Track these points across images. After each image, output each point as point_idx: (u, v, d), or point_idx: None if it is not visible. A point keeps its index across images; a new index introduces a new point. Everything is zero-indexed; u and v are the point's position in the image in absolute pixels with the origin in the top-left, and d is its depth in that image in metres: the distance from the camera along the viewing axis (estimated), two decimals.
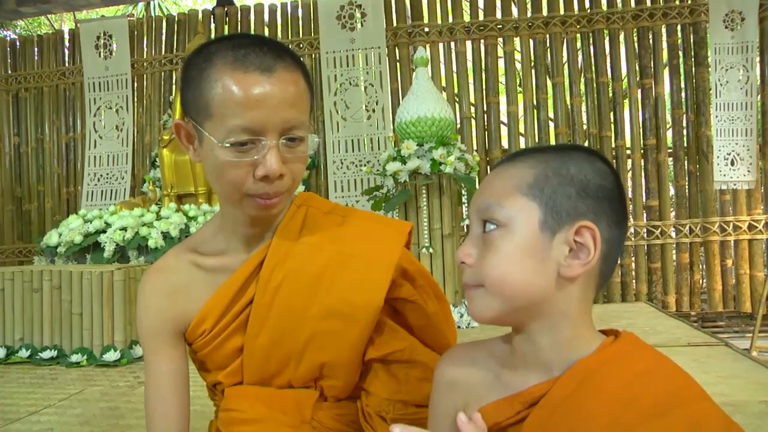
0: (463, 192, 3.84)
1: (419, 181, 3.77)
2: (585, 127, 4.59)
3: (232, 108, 0.95)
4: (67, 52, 5.76)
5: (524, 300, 0.86)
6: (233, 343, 1.11)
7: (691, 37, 4.44)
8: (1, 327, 3.30)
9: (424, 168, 3.73)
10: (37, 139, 5.72)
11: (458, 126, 4.78)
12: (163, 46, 5.54)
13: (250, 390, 1.13)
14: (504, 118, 4.92)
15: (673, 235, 4.37)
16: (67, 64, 5.72)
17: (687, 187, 4.45)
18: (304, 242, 1.11)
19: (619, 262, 4.39)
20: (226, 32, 5.46)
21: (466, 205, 3.81)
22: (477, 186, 3.99)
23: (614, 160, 4.51)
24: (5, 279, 3.32)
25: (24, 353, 3.19)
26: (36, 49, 5.81)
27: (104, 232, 3.85)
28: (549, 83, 4.69)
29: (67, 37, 5.80)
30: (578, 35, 4.60)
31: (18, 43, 5.93)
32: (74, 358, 3.08)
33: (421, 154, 3.81)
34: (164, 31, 5.56)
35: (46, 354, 3.15)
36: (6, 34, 9.05)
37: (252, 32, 5.33)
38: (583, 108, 4.62)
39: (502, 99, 4.89)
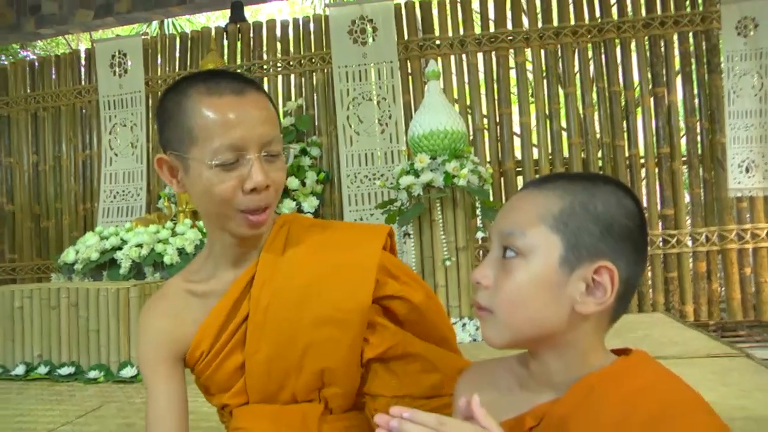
0: (477, 204, 3.83)
1: (433, 195, 3.77)
2: (598, 136, 4.57)
3: (215, 130, 1.04)
4: (83, 71, 5.85)
5: (534, 331, 0.87)
6: (233, 362, 1.15)
7: (704, 44, 4.41)
8: (21, 344, 3.34)
9: (437, 181, 3.73)
10: (55, 157, 5.80)
11: (471, 138, 4.78)
12: (177, 63, 5.61)
13: (257, 408, 1.16)
14: (517, 128, 4.91)
15: (690, 243, 4.33)
16: (83, 83, 5.80)
17: (702, 195, 4.42)
18: (289, 257, 1.16)
19: None
20: (239, 49, 5.51)
21: (480, 217, 3.80)
22: (490, 198, 4.00)
23: (628, 169, 4.49)
24: (24, 296, 3.36)
25: (42, 370, 3.22)
26: (53, 69, 5.89)
27: (120, 248, 3.88)
28: (561, 93, 4.69)
29: (83, 56, 5.88)
30: (589, 45, 4.60)
31: (36, 64, 6.02)
32: (92, 374, 3.10)
33: (434, 167, 3.81)
34: (178, 48, 5.62)
35: (64, 370, 3.17)
36: (26, 54, 9.22)
37: (264, 47, 5.39)
38: (596, 117, 4.61)
39: (515, 110, 4.89)
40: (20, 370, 3.26)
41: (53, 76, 5.90)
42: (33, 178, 5.84)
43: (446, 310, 3.79)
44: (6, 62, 6.20)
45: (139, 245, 3.83)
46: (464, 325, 3.67)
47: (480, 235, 4.06)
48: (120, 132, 5.58)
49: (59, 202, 5.74)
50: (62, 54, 6.08)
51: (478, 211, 3.85)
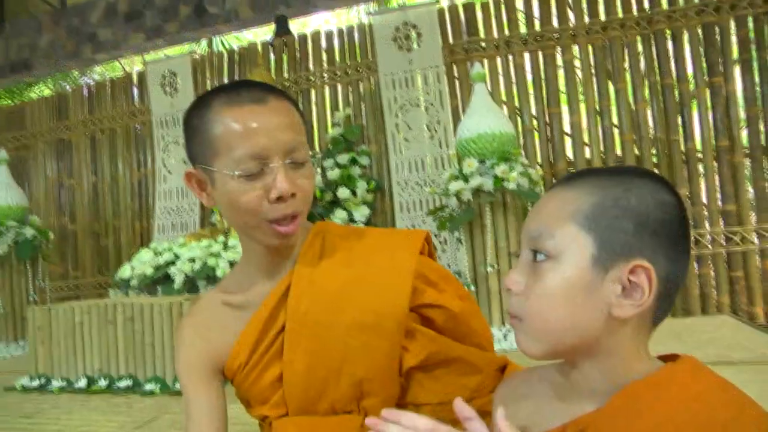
0: (529, 207, 3.75)
1: (483, 199, 3.70)
2: (652, 132, 4.42)
3: (236, 140, 1.03)
4: (136, 92, 6.02)
5: (569, 339, 0.81)
6: (271, 373, 1.13)
7: (765, 28, 4.19)
8: (82, 358, 3.44)
9: (486, 185, 3.66)
10: (112, 177, 5.98)
11: (521, 139, 4.70)
12: (225, 79, 5.71)
13: (296, 420, 1.14)
14: (567, 128, 4.79)
15: (756, 240, 4.12)
16: (136, 104, 5.97)
17: None
18: (324, 265, 1.14)
19: (696, 272, 4.22)
20: (285, 62, 5.57)
21: None
22: None
23: (685, 165, 4.31)
24: (83, 312, 3.45)
25: (102, 383, 3.29)
26: (109, 92, 6.09)
27: (174, 263, 3.96)
28: (611, 89, 4.55)
29: (135, 78, 6.06)
30: (638, 37, 4.45)
31: (93, 89, 6.23)
32: (148, 386, 3.15)
33: (483, 171, 3.75)
34: (226, 64, 5.73)
35: (123, 383, 3.24)
36: (86, 80, 9.58)
37: (311, 60, 5.43)
38: (649, 112, 4.45)
39: (564, 109, 4.78)
40: (83, 383, 3.34)
41: (109, 100, 6.08)
42: (92, 198, 6.04)
43: (500, 317, 3.71)
44: (68, 88, 6.41)
45: (192, 260, 3.89)
46: None
47: None
48: (173, 150, 5.71)
49: (117, 220, 5.91)
50: (116, 78, 6.29)
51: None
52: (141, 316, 3.30)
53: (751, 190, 4.33)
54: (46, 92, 7.25)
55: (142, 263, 4.01)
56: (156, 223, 5.58)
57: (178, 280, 3.81)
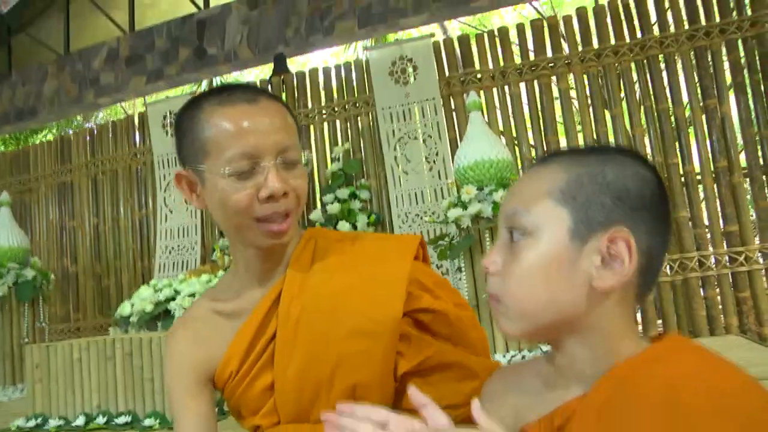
0: None
1: (482, 225, 3.69)
2: (650, 156, 4.42)
3: (228, 139, 1.02)
4: (137, 134, 6.08)
5: (549, 316, 0.79)
6: (263, 381, 1.11)
7: (756, 50, 4.23)
8: (80, 395, 3.38)
9: (485, 212, 3.65)
10: (114, 218, 6.00)
11: (520, 170, 4.70)
12: None
13: (289, 428, 1.11)
14: None
15: (761, 260, 4.07)
16: (138, 146, 6.03)
17: None
18: (317, 270, 1.13)
19: (702, 294, 4.17)
20: (284, 99, 5.62)
21: None
22: None
23: (684, 187, 4.29)
24: (82, 349, 3.41)
25: (101, 420, 3.23)
26: (111, 134, 6.16)
27: (174, 299, 3.93)
28: (608, 116, 4.58)
29: (137, 120, 6.14)
30: (632, 63, 4.49)
31: (95, 132, 6.31)
32: (147, 422, 3.09)
33: (482, 197, 3.74)
34: None
35: (121, 419, 3.18)
36: (89, 124, 9.73)
37: (309, 96, 5.49)
38: (646, 137, 4.46)
39: (562, 137, 4.80)
40: (80, 421, 3.28)
41: (110, 141, 6.15)
42: (94, 239, 6.06)
43: (504, 344, 3.65)
44: (71, 132, 6.50)
45: (192, 294, 3.87)
46: (523, 357, 3.52)
47: None
48: (174, 189, 5.73)
49: (118, 260, 5.91)
50: (118, 120, 6.36)
51: None
52: (140, 351, 3.26)
53: (752, 210, 4.31)
54: (50, 137, 7.33)
55: (141, 300, 3.98)
56: (157, 262, 5.57)
57: (178, 314, 3.78)
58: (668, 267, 4.14)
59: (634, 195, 0.78)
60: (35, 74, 6.54)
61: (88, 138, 6.23)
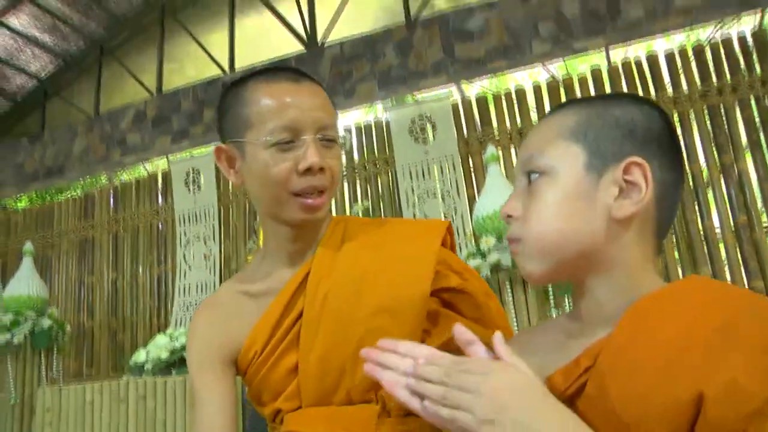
0: (549, 285, 3.69)
1: (501, 275, 3.67)
2: None
3: (270, 112, 1.05)
4: (160, 191, 6.19)
5: (571, 252, 0.80)
6: (287, 362, 1.10)
7: None
8: None
9: (505, 261, 3.64)
10: (132, 274, 6.04)
11: None
12: None
13: (310, 411, 1.09)
14: None
15: None
16: (160, 203, 6.12)
17: None
18: (345, 251, 1.13)
19: None
20: None
21: (552, 296, 3.64)
22: None
23: (704, 244, 4.25)
24: (95, 392, 3.39)
25: None
26: (134, 192, 6.28)
27: None
28: None
29: (160, 178, 6.26)
30: None
31: (119, 190, 6.44)
32: None
33: (501, 248, 3.73)
34: None
35: None
36: (113, 182, 9.90)
37: None
38: None
39: None
40: None
41: (133, 199, 6.26)
42: (111, 295, 6.07)
43: None
44: (96, 190, 6.65)
45: None
46: None
47: (553, 313, 3.87)
48: (194, 245, 5.78)
49: (135, 316, 5.90)
50: (141, 178, 6.50)
51: (550, 293, 3.71)
52: (154, 394, 3.24)
53: None
54: (75, 194, 7.49)
55: (157, 347, 3.96)
56: (174, 317, 5.56)
57: None
58: None
59: (642, 129, 0.80)
60: (65, 134, 6.75)
61: (111, 195, 6.35)
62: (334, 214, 4.38)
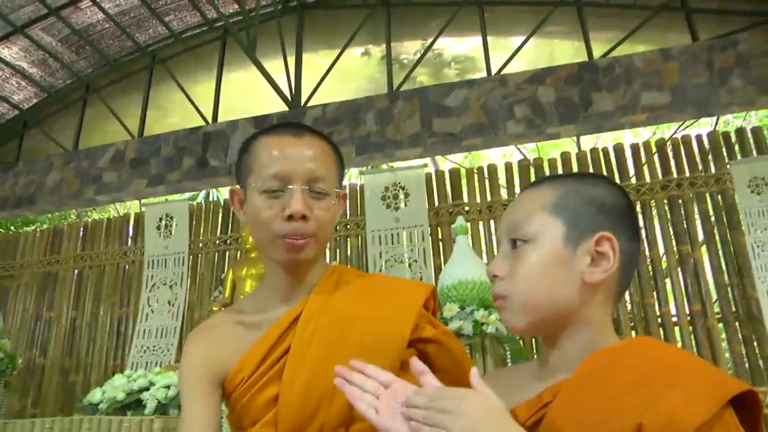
0: (507, 352, 3.80)
1: (463, 342, 3.76)
2: (627, 295, 4.60)
3: (267, 161, 1.20)
4: (130, 233, 6.19)
5: (550, 310, 0.95)
6: (268, 392, 1.19)
7: (721, 203, 4.56)
8: None
9: (466, 329, 3.75)
10: (92, 314, 5.95)
11: None
12: (219, 229, 5.91)
13: None
14: None
15: None
16: (129, 245, 6.12)
17: (745, 353, 4.26)
18: (338, 295, 1.26)
19: None
20: None
21: (510, 362, 3.75)
22: (521, 345, 3.97)
23: (660, 328, 4.43)
24: (45, 427, 3.33)
25: None
26: (104, 231, 6.26)
27: (148, 389, 3.87)
28: None
29: (132, 220, 6.27)
30: None
31: (89, 227, 6.41)
32: None
33: (464, 316, 3.85)
34: (221, 214, 5.97)
35: None
36: (83, 219, 9.80)
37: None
38: None
39: None
40: None
41: (102, 238, 6.24)
42: (68, 333, 5.95)
43: None
44: (65, 224, 6.59)
45: (168, 386, 3.82)
46: None
47: None
48: (160, 290, 5.76)
49: (90, 357, 5.78)
50: (113, 218, 6.50)
51: (508, 359, 3.82)
52: None
53: (728, 355, 4.39)
54: (43, 227, 7.41)
55: (114, 387, 3.91)
56: (130, 360, 5.47)
57: (150, 405, 3.70)
58: None
59: (610, 206, 0.97)
60: (41, 166, 6.74)
61: (81, 231, 6.32)
62: None
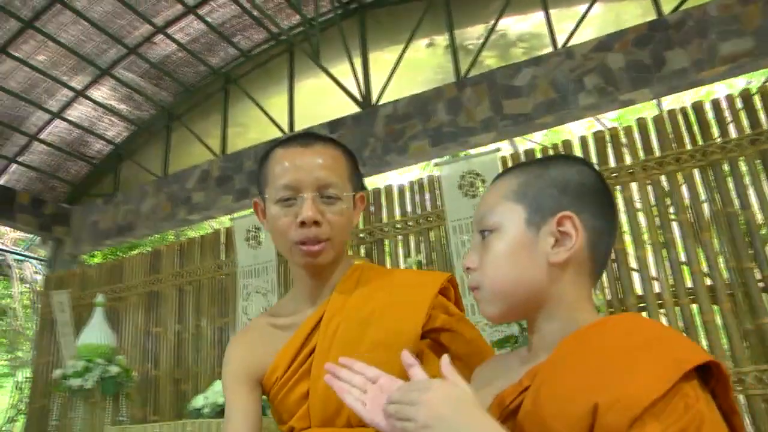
0: None
1: None
2: (723, 261, 4.36)
3: (279, 172, 1.27)
4: (222, 248, 6.49)
5: (520, 294, 0.96)
6: (300, 388, 1.28)
7: None
8: None
9: None
10: (195, 326, 6.29)
11: None
12: None
13: (315, 430, 1.26)
14: (634, 264, 4.79)
15: None
16: (222, 258, 6.42)
17: None
18: (358, 294, 1.32)
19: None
20: (361, 215, 5.93)
21: None
22: None
23: (765, 293, 4.16)
24: (155, 431, 3.57)
25: None
26: (198, 248, 6.60)
27: None
28: (674, 223, 4.59)
29: (223, 235, 6.59)
30: (695, 169, 4.54)
31: (184, 245, 6.78)
32: None
33: None
34: None
35: None
36: (179, 239, 10.40)
37: (384, 212, 5.76)
38: (716, 242, 4.41)
39: (629, 245, 4.81)
40: None
41: (198, 255, 6.58)
42: (175, 345, 6.33)
43: None
44: (163, 246, 7.00)
45: None
46: None
47: None
48: (254, 298, 6.01)
49: (197, 366, 6.12)
50: (206, 235, 6.84)
51: None
52: None
53: None
54: (144, 250, 7.91)
55: (215, 392, 4.13)
56: None
57: None
58: (755, 377, 3.93)
59: (574, 185, 0.96)
60: (136, 194, 7.21)
61: (177, 251, 6.69)
62: (389, 266, 4.51)
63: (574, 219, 0.93)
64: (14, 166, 7.76)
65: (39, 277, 9.98)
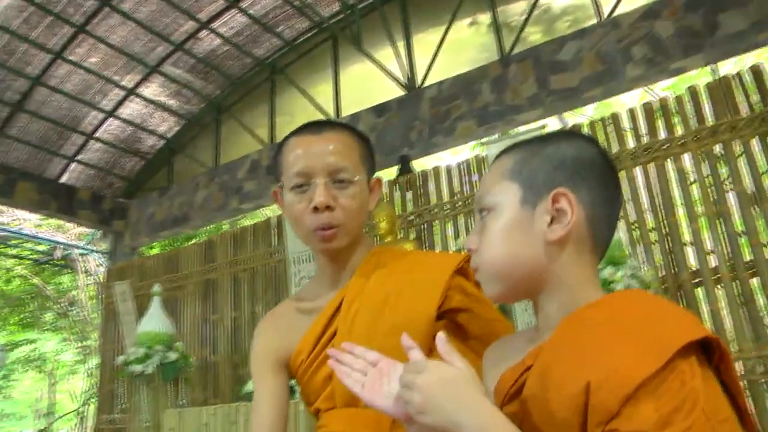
0: None
1: None
2: None
3: (292, 160, 1.29)
4: (274, 235, 6.61)
5: (519, 273, 0.94)
6: (324, 370, 1.29)
7: None
8: None
9: None
10: (251, 312, 6.43)
11: (641, 253, 4.60)
12: None
13: (339, 411, 1.30)
14: (688, 237, 4.65)
15: None
16: (273, 245, 6.53)
17: None
18: (376, 277, 1.33)
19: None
20: (409, 197, 5.93)
21: None
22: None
23: None
24: (209, 414, 3.68)
25: None
26: (251, 236, 6.74)
27: None
28: (731, 194, 4.42)
29: (274, 223, 6.69)
30: (753, 138, 4.36)
31: (238, 234, 6.93)
32: None
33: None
34: None
35: None
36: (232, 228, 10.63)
37: (432, 193, 5.73)
38: None
39: (683, 218, 4.67)
40: None
41: (251, 243, 6.72)
42: (232, 332, 6.50)
43: None
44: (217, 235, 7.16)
45: None
46: None
47: None
48: (306, 283, 6.09)
49: None
50: (257, 223, 6.97)
51: None
52: None
53: None
54: (199, 240, 8.12)
55: None
56: None
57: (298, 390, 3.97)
58: None
59: (571, 160, 0.93)
60: (189, 186, 7.40)
61: (231, 240, 6.85)
62: (438, 248, 4.51)
63: (569, 195, 0.90)
64: (74, 164, 8.08)
65: (101, 270, 10.41)
